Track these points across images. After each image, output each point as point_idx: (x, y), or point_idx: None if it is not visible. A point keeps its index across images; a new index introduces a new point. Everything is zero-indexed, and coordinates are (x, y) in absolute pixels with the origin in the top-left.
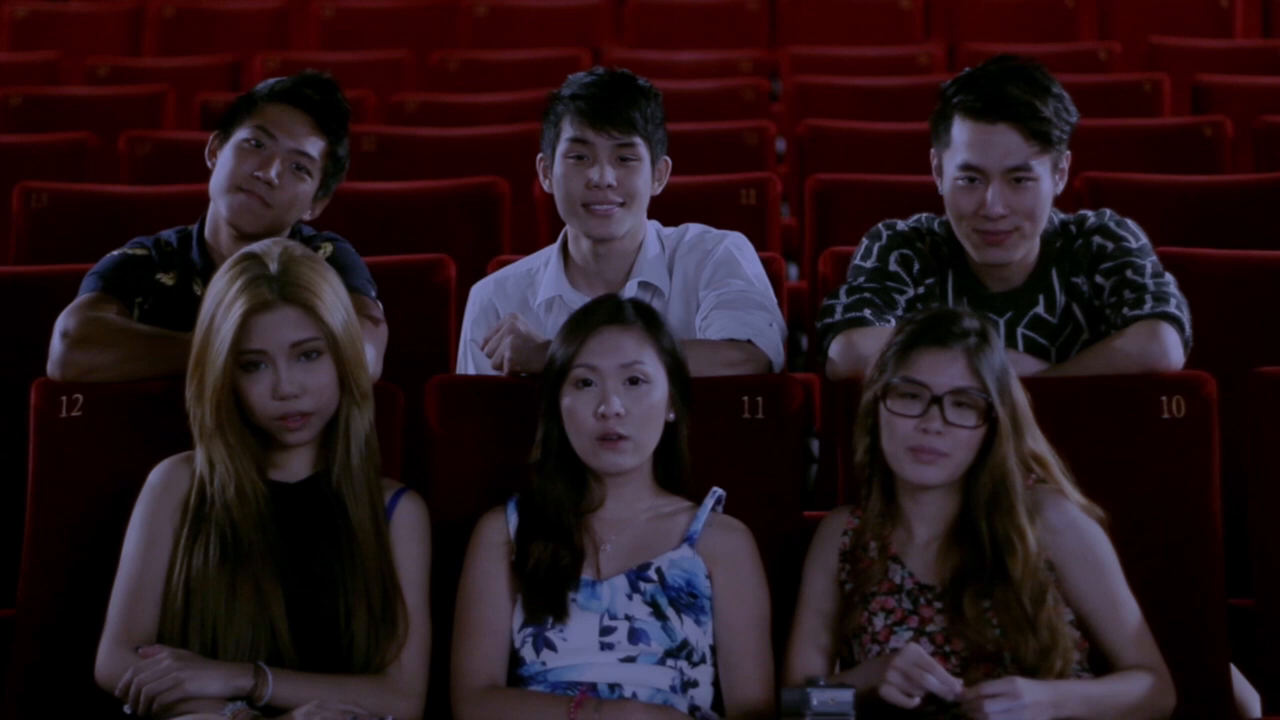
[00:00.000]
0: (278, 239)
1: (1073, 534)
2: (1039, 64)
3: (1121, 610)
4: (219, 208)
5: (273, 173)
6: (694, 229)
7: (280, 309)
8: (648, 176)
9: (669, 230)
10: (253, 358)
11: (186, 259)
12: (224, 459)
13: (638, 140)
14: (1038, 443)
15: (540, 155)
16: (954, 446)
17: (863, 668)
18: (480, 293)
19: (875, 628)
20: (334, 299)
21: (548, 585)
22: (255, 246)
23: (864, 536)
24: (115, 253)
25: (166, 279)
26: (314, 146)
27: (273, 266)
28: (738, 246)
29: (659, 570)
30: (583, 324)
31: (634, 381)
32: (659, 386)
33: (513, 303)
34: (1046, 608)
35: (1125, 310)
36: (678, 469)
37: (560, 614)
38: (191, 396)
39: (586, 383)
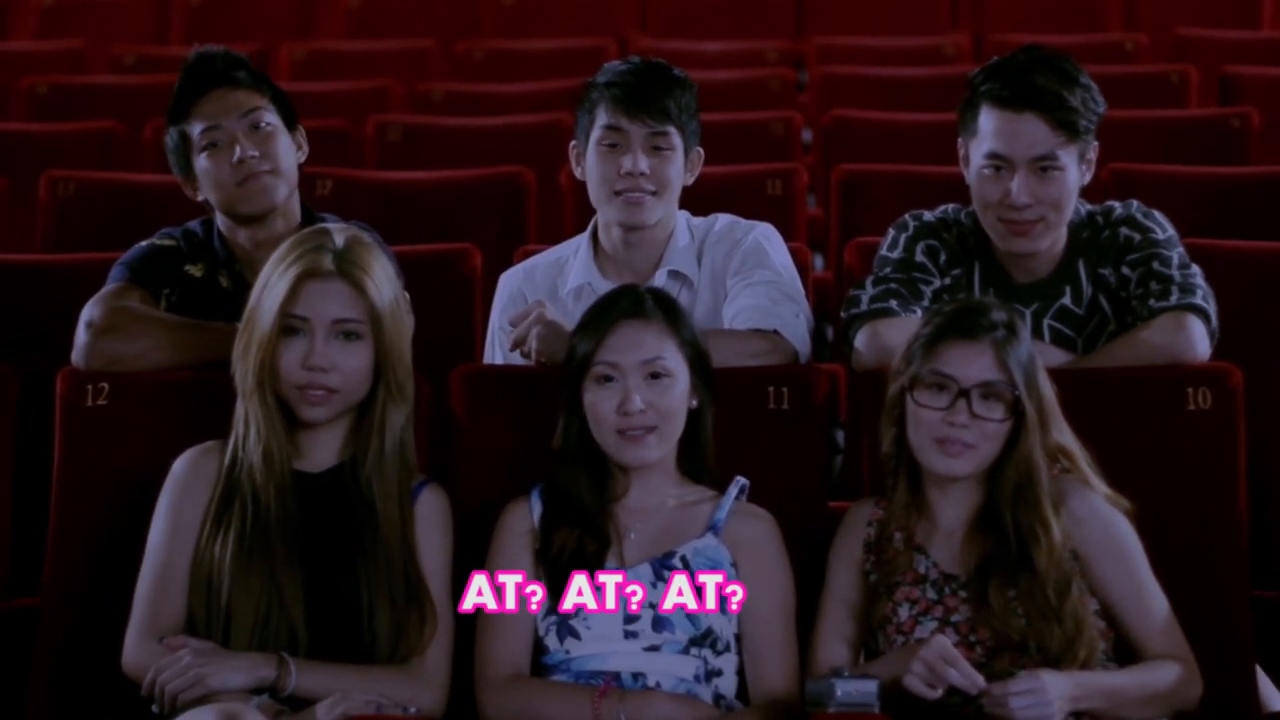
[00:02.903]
0: (347, 224)
1: (1097, 524)
2: (1067, 54)
3: (1147, 600)
4: (235, 209)
5: (248, 153)
6: (723, 219)
7: (333, 281)
8: (680, 166)
9: (699, 220)
10: (294, 323)
11: (212, 250)
12: (259, 419)
13: (671, 129)
14: (1064, 435)
15: (574, 142)
16: (981, 439)
17: (888, 658)
18: (509, 281)
19: (900, 618)
20: (387, 289)
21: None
22: (324, 225)
23: (889, 527)
24: (143, 243)
25: (195, 270)
26: (253, 103)
27: (338, 240)
28: (766, 237)
29: (683, 558)
30: (602, 318)
31: (655, 376)
32: (680, 379)
33: (541, 291)
34: (1071, 598)
35: (1151, 301)
36: (702, 457)
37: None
38: (238, 353)
39: (608, 379)
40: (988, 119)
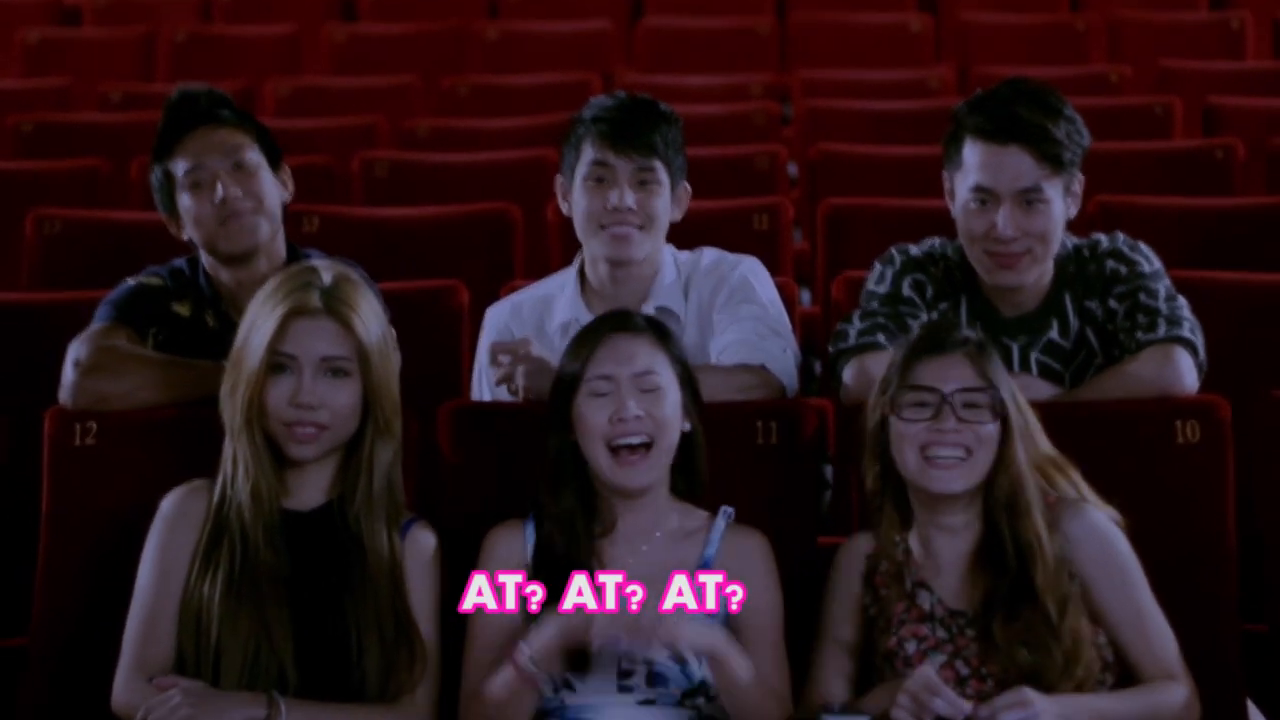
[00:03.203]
0: (334, 261)
1: (1095, 543)
2: (1052, 87)
3: (1146, 621)
4: (219, 249)
5: (230, 192)
6: (710, 253)
7: (320, 318)
8: (667, 200)
9: (685, 254)
10: (282, 360)
11: (198, 288)
12: (247, 457)
13: (658, 164)
14: (1048, 447)
15: (560, 178)
16: (974, 443)
17: (878, 691)
18: (495, 316)
19: (908, 652)
20: (375, 326)
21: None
22: (310, 261)
23: (881, 561)
24: (130, 281)
25: (181, 309)
26: (236, 141)
27: (325, 277)
28: (753, 272)
29: (679, 612)
30: (592, 334)
31: (648, 390)
32: (672, 394)
33: (528, 326)
34: (1070, 615)
35: (1139, 334)
36: (697, 480)
37: (581, 667)
38: (226, 391)
39: (601, 393)
40: (972, 152)
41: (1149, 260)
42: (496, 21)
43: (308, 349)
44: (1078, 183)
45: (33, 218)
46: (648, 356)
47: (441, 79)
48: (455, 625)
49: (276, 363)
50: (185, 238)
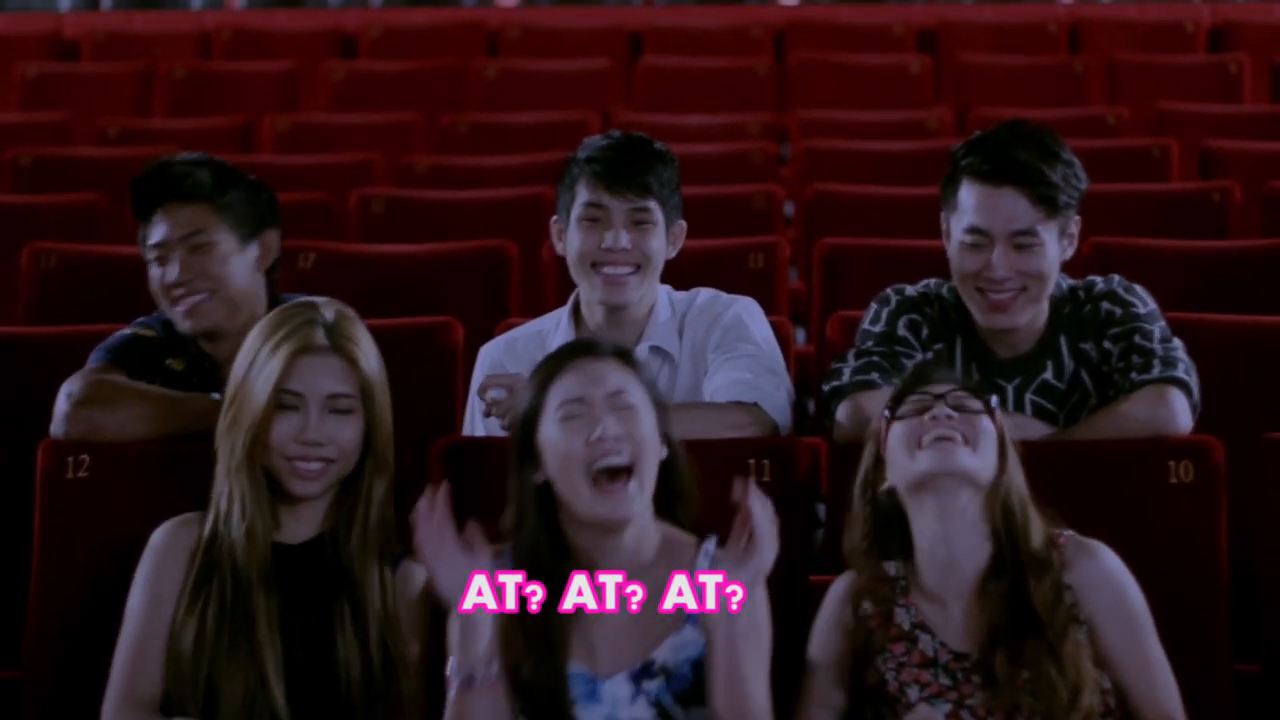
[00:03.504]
0: (330, 300)
1: (1108, 589)
2: (1050, 129)
3: (1153, 668)
4: (177, 327)
5: (181, 277)
6: (705, 294)
7: (326, 356)
8: (662, 240)
9: (680, 295)
10: (289, 399)
11: (187, 343)
12: (244, 494)
13: (653, 204)
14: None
15: (555, 218)
16: (971, 432)
17: None
18: (490, 353)
19: (910, 699)
20: (375, 363)
21: (542, 693)
22: (309, 299)
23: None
24: (125, 331)
25: (175, 364)
26: (199, 224)
27: (328, 315)
28: (748, 311)
29: (663, 667)
30: (556, 362)
31: (623, 408)
32: (647, 417)
33: (523, 363)
34: (1070, 641)
35: (1133, 375)
36: (684, 499)
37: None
38: (224, 429)
39: (574, 416)
40: (968, 193)
41: (1144, 302)
42: (495, 59)
43: (314, 387)
44: (1074, 224)
45: (29, 252)
46: (618, 378)
47: (440, 116)
48: (442, 658)
49: (283, 401)
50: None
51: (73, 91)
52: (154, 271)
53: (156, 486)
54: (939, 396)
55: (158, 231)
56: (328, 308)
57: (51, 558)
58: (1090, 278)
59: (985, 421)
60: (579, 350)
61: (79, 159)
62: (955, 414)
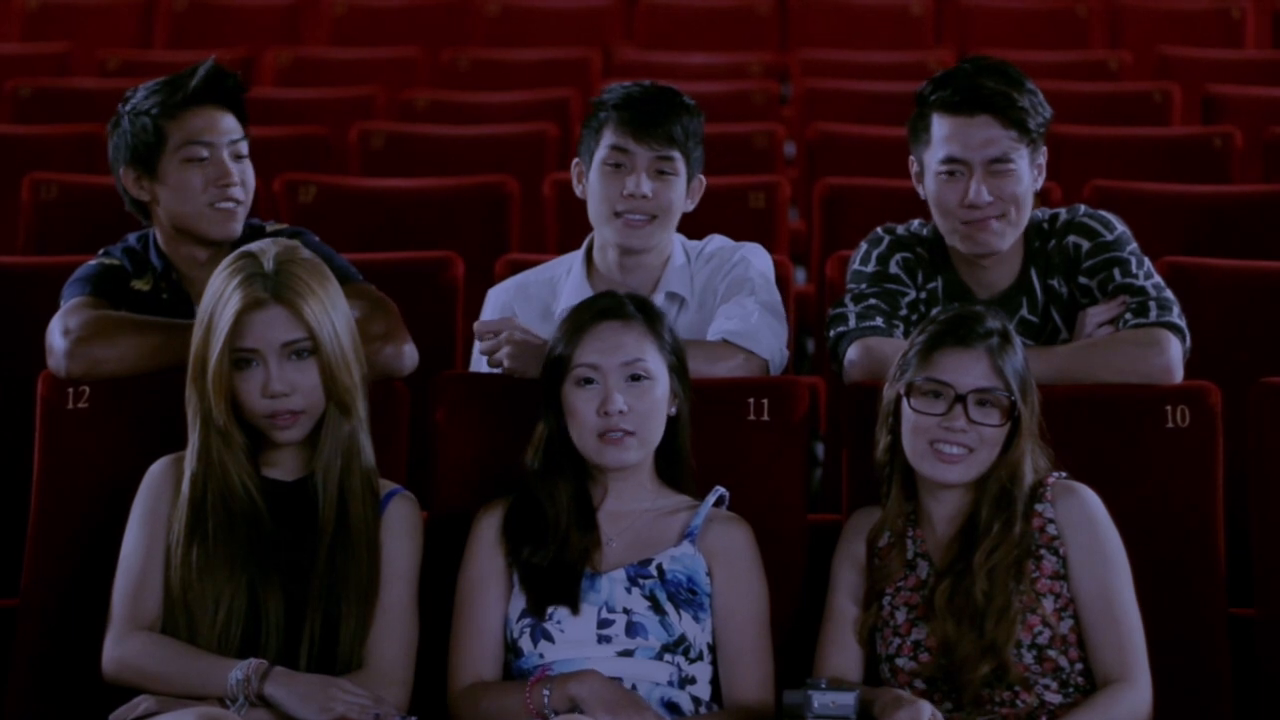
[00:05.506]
0: (276, 240)
1: (1083, 523)
2: (1009, 62)
3: (1116, 610)
4: (196, 228)
5: (233, 179)
6: (716, 240)
7: (271, 308)
8: (682, 191)
9: (694, 242)
10: (245, 355)
11: (151, 264)
12: (217, 452)
13: (676, 154)
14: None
15: (576, 160)
16: (978, 443)
17: (879, 697)
18: (499, 295)
19: (897, 621)
20: (326, 301)
21: (554, 576)
22: (252, 246)
23: (883, 532)
24: (92, 262)
25: (141, 285)
26: (240, 134)
27: (268, 265)
28: (754, 253)
29: (659, 567)
30: (582, 319)
31: (635, 378)
32: (660, 382)
33: (534, 308)
34: (1000, 597)
35: (1128, 315)
36: (680, 464)
37: (572, 603)
38: (189, 390)
39: (588, 381)
40: (940, 126)
41: (1109, 227)
42: None
43: (267, 339)
44: (1042, 155)
45: (29, 182)
46: (636, 345)
47: (441, 52)
48: (445, 591)
49: (240, 359)
50: (144, 199)
51: (73, 22)
52: (182, 173)
53: (157, 417)
54: (959, 398)
55: (200, 132)
56: (269, 257)
57: (51, 488)
58: (1055, 210)
59: (995, 432)
60: (603, 312)
61: (79, 90)
62: (968, 428)
